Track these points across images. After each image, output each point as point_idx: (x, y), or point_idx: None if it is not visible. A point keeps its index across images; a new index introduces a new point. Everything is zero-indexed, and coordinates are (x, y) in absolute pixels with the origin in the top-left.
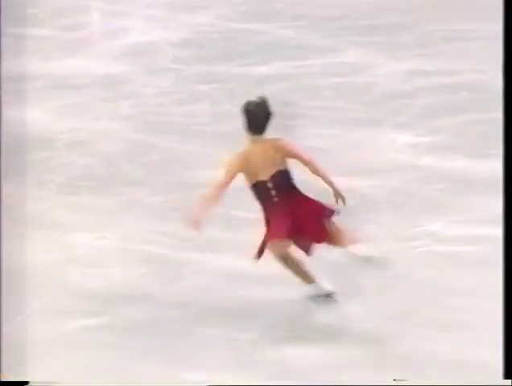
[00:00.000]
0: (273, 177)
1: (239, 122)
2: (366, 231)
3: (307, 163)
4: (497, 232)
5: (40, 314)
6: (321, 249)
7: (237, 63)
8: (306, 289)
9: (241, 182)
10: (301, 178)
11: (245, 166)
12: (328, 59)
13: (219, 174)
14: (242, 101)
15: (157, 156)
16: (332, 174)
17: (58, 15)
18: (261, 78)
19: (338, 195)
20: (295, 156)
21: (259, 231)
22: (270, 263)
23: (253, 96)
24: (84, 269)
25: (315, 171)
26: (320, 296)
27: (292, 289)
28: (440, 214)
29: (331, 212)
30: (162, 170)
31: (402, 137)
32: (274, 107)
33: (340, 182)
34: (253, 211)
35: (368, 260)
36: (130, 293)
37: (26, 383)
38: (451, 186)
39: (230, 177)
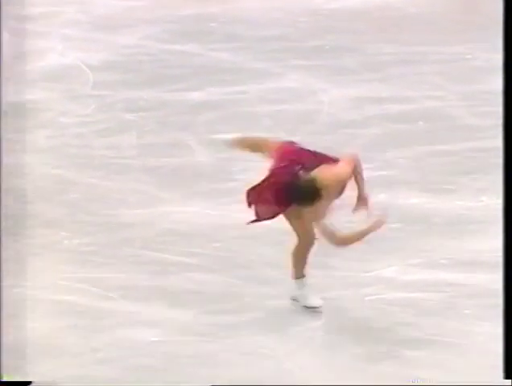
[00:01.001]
0: None
1: (170, 155)
2: (312, 277)
3: None
4: (460, 276)
5: None
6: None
7: (167, 88)
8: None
9: (176, 224)
10: None
11: None
12: (266, 85)
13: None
14: (173, 131)
15: (77, 194)
16: None
17: None
18: (194, 105)
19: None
20: None
21: (192, 276)
22: (203, 317)
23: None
24: None
25: None
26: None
27: (229, 345)
28: (395, 257)
29: None
30: (83, 209)
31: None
32: (208, 137)
33: (281, 221)
34: (187, 255)
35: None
36: (49, 347)
37: (29, 383)
38: (406, 226)
39: None
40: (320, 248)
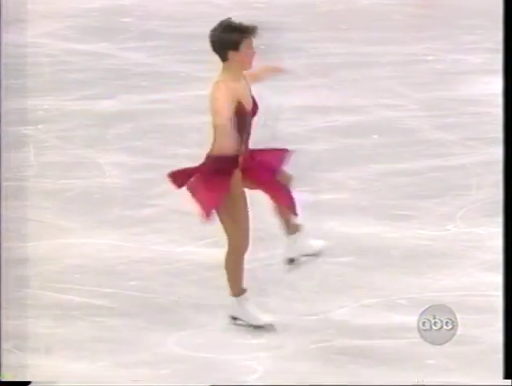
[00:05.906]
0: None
1: (75, 177)
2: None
3: None
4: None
5: None
6: None
7: (71, 96)
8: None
9: (81, 259)
10: None
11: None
12: (190, 92)
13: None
14: (79, 147)
15: None
16: (190, 243)
17: None
18: (104, 116)
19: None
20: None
21: (102, 321)
22: (115, 370)
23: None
24: None
25: None
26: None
27: None
28: (346, 297)
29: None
30: None
31: None
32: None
33: (197, 252)
34: (95, 297)
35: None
36: None
37: (29, 383)
38: (359, 260)
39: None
40: (254, 287)
